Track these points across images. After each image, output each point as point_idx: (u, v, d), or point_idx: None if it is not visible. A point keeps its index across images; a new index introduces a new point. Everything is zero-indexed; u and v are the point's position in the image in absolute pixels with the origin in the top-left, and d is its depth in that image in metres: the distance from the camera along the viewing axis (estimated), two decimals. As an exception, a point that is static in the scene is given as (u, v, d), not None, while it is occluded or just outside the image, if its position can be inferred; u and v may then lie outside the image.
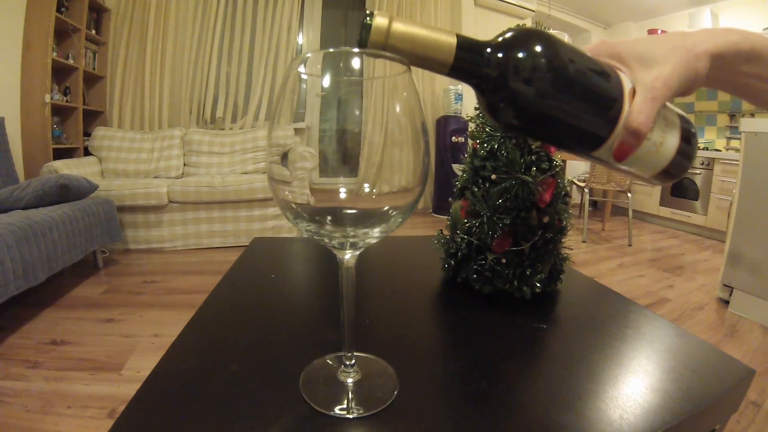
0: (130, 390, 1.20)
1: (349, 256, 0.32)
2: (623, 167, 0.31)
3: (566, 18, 4.68)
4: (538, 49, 0.27)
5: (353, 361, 0.35)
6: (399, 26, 0.26)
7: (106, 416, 1.08)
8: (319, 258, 0.72)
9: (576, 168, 4.63)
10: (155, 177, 2.91)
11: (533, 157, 0.52)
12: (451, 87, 3.81)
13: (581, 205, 3.69)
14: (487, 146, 0.54)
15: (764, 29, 3.41)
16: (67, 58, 2.84)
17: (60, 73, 2.85)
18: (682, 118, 0.31)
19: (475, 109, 0.59)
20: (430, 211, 4.00)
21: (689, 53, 0.28)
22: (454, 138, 3.71)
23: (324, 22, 3.87)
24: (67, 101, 2.88)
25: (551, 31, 0.30)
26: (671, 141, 0.30)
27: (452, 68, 0.28)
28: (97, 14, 3.25)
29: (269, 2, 3.53)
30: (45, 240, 1.62)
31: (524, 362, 0.40)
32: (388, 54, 0.27)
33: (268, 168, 0.30)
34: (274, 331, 0.44)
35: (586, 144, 0.30)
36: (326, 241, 0.31)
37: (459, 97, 3.79)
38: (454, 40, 0.27)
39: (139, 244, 2.56)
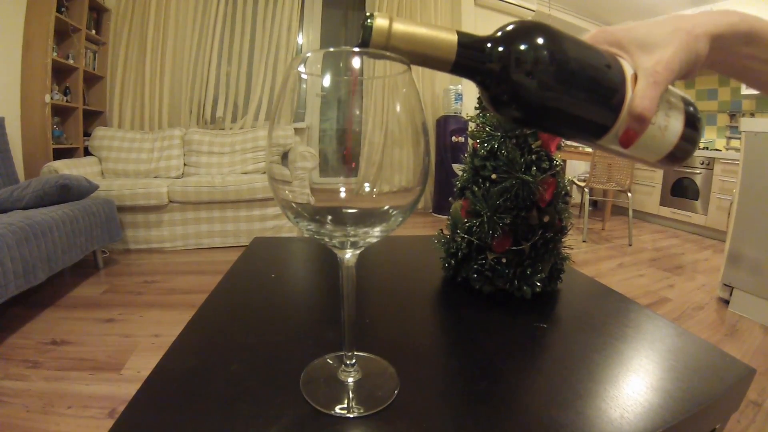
0: (130, 390, 1.20)
1: (349, 255, 0.32)
2: (629, 153, 0.31)
3: (566, 18, 4.68)
4: (538, 41, 0.27)
5: (353, 361, 0.35)
6: (400, 26, 0.26)
7: (106, 416, 1.08)
8: (319, 257, 0.72)
9: (576, 168, 4.64)
10: (155, 177, 2.91)
11: (533, 156, 0.52)
12: (451, 87, 3.81)
13: (581, 205, 3.69)
14: (487, 146, 0.54)
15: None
16: (67, 58, 2.85)
17: (60, 73, 2.85)
18: (685, 100, 0.32)
19: (475, 108, 0.59)
20: (431, 210, 4.00)
21: (689, 35, 0.28)
22: (454, 138, 3.71)
23: (324, 22, 3.87)
24: (67, 101, 2.88)
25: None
26: (676, 124, 0.30)
27: (454, 65, 0.28)
28: (97, 14, 3.25)
29: (269, 2, 3.53)
30: (45, 240, 1.62)
31: (524, 362, 0.40)
32: (388, 54, 0.27)
33: (269, 168, 0.30)
34: (275, 331, 0.44)
35: (591, 132, 0.30)
36: (327, 240, 0.31)
37: (459, 97, 3.79)
38: (455, 38, 0.27)
39: (139, 244, 2.56)
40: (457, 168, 3.30)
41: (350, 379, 0.35)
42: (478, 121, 0.57)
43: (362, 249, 0.32)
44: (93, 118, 3.27)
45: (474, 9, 4.10)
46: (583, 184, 3.23)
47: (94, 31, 3.14)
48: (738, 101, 3.80)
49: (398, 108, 0.28)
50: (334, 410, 0.31)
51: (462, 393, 0.35)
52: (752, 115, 3.69)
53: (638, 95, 0.28)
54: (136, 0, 3.23)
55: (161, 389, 0.33)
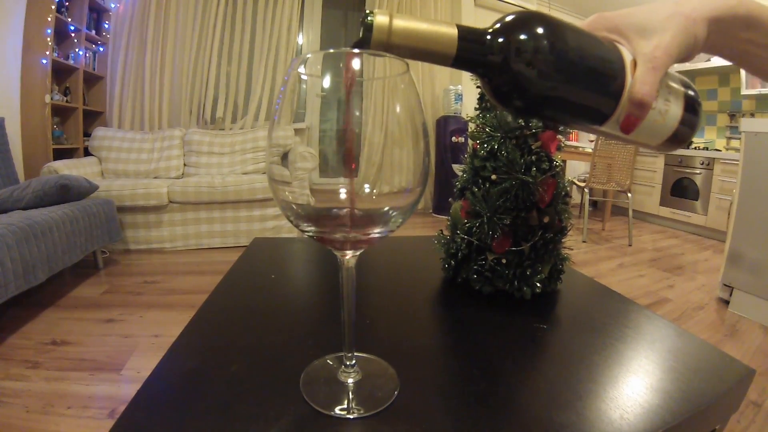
0: (130, 390, 1.20)
1: (349, 256, 0.32)
2: (631, 138, 0.31)
3: (566, 18, 4.69)
4: (538, 30, 0.27)
5: (353, 362, 0.35)
6: (400, 23, 0.26)
7: (106, 416, 1.07)
8: (319, 258, 0.72)
9: (576, 168, 4.64)
10: (155, 177, 2.91)
11: (533, 157, 0.52)
12: (451, 87, 3.81)
13: (581, 205, 3.69)
14: (487, 146, 0.54)
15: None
16: (67, 58, 2.85)
17: (60, 73, 2.85)
18: (684, 83, 0.32)
19: (475, 109, 0.59)
20: (430, 211, 4.00)
21: (687, 19, 0.28)
22: (454, 138, 3.71)
23: (324, 23, 3.87)
24: (67, 101, 2.88)
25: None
26: (676, 107, 0.30)
27: (456, 59, 0.28)
28: (97, 14, 3.25)
29: (269, 2, 3.53)
30: (45, 240, 1.62)
31: (524, 362, 0.40)
32: (388, 54, 0.27)
33: (268, 168, 0.30)
34: (275, 332, 0.44)
35: (593, 119, 0.30)
36: (326, 241, 0.31)
37: (459, 98, 3.79)
38: (455, 32, 0.27)
39: (139, 244, 2.56)
40: (457, 168, 3.30)
41: (350, 380, 0.35)
42: (478, 121, 0.57)
43: (362, 250, 0.32)
44: (93, 118, 3.27)
45: (474, 9, 4.11)
46: (583, 184, 3.23)
47: (94, 31, 3.14)
48: (738, 101, 3.80)
49: (398, 108, 0.29)
50: (334, 411, 0.31)
51: (462, 394, 0.35)
52: (752, 115, 3.69)
53: (638, 81, 0.28)
54: (136, 0, 3.23)
55: (161, 390, 0.33)
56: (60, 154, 2.77)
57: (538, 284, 0.53)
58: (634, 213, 3.46)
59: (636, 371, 0.38)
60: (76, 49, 2.93)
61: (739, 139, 2.59)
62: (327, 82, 0.28)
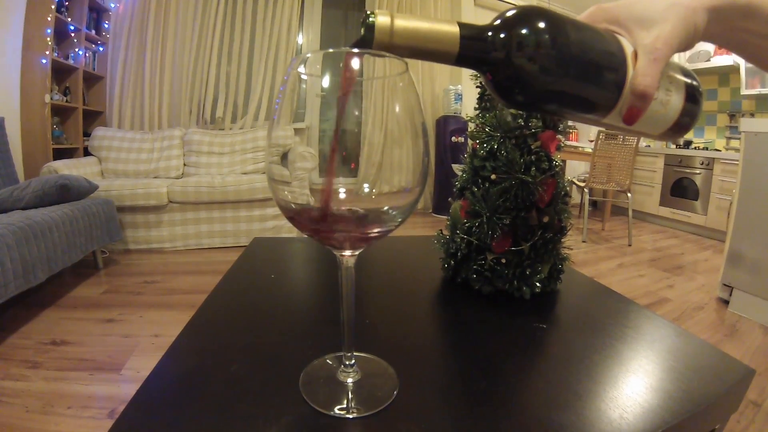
0: (130, 390, 1.20)
1: (348, 255, 0.32)
2: (633, 128, 0.31)
3: (564, 12, 4.68)
4: (539, 25, 0.27)
5: (353, 361, 0.35)
6: (401, 22, 0.26)
7: (106, 416, 1.07)
8: (318, 258, 0.72)
9: (576, 168, 4.64)
10: (155, 177, 2.91)
11: (533, 157, 0.52)
12: (450, 87, 3.81)
13: (581, 205, 3.69)
14: (486, 146, 0.54)
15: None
16: (67, 58, 2.85)
17: (60, 73, 2.85)
18: (684, 71, 0.32)
19: (475, 109, 0.59)
20: (430, 211, 4.00)
21: (687, 9, 0.28)
22: (453, 138, 3.71)
23: (324, 22, 3.87)
24: (67, 101, 2.88)
25: None
26: (677, 97, 0.31)
27: (458, 57, 0.28)
28: (97, 14, 3.25)
29: (269, 2, 3.53)
30: (45, 240, 1.62)
31: (524, 362, 0.40)
32: (387, 54, 0.27)
33: (268, 168, 0.30)
34: (274, 331, 0.44)
35: (595, 112, 0.30)
36: (326, 241, 0.31)
37: (459, 97, 3.79)
38: (456, 30, 0.27)
39: (139, 244, 2.56)
40: (457, 168, 3.30)
41: (350, 380, 0.35)
42: (477, 121, 0.57)
43: (361, 249, 0.32)
44: (93, 118, 3.27)
45: (474, 9, 4.10)
46: (582, 184, 3.23)
47: (94, 31, 3.14)
48: (738, 101, 3.80)
49: (397, 108, 0.28)
50: (333, 411, 0.31)
51: (461, 393, 0.35)
52: (752, 115, 3.69)
53: (639, 73, 0.28)
54: (136, 0, 3.23)
55: (161, 389, 0.33)
56: (60, 154, 2.77)
57: (538, 284, 0.53)
58: (634, 213, 3.46)
59: (636, 371, 0.38)
60: (76, 49, 2.93)
61: (739, 139, 2.59)
62: (327, 81, 0.28)
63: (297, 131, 3.42)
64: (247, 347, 0.41)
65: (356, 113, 0.29)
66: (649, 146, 4.27)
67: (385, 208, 0.30)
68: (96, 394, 1.16)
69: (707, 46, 3.74)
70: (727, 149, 3.81)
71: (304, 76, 0.28)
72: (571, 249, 0.59)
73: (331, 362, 0.37)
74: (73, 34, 2.91)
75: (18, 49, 2.56)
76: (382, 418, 0.31)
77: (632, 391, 0.35)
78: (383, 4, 3.74)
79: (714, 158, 3.48)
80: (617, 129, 0.32)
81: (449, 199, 0.62)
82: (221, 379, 0.35)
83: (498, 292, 0.54)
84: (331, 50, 0.27)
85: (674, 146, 4.08)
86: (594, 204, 4.39)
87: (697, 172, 3.61)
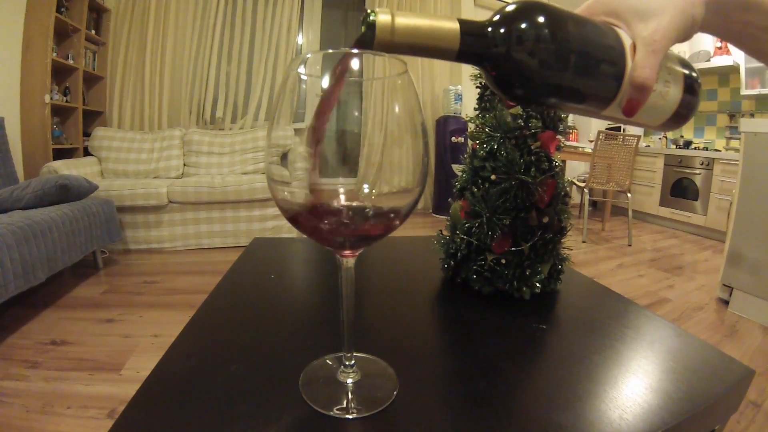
0: (130, 390, 1.19)
1: (348, 256, 0.32)
2: (633, 120, 0.31)
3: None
4: (538, 19, 0.27)
5: (353, 362, 0.35)
6: (402, 20, 0.26)
7: (106, 416, 1.07)
8: (318, 258, 0.72)
9: (576, 168, 4.64)
10: (155, 177, 2.91)
11: (533, 157, 0.52)
12: (450, 87, 3.81)
13: (581, 206, 3.69)
14: (486, 147, 0.54)
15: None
16: (67, 58, 2.84)
17: (60, 73, 2.85)
18: (682, 62, 0.32)
19: (475, 109, 0.59)
20: (430, 211, 4.00)
21: (685, 1, 0.28)
22: (453, 138, 3.71)
23: (324, 22, 3.87)
24: (67, 101, 2.88)
25: None
26: (676, 88, 0.31)
27: (459, 53, 0.28)
28: (97, 14, 3.25)
29: (269, 2, 3.53)
30: (45, 240, 1.62)
31: (524, 362, 0.40)
32: (387, 54, 0.27)
33: (268, 168, 0.30)
34: (274, 332, 0.44)
35: (595, 104, 0.30)
36: (326, 241, 0.31)
37: (459, 98, 3.79)
38: (457, 26, 0.27)
39: (138, 244, 2.56)
40: (457, 169, 3.30)
41: (349, 380, 0.35)
42: (477, 121, 0.57)
43: (361, 250, 0.32)
44: (93, 118, 3.26)
45: (474, 9, 4.10)
46: (582, 184, 3.23)
47: (94, 31, 3.14)
48: (738, 102, 3.80)
49: (397, 109, 0.28)
50: (333, 411, 0.31)
51: (461, 394, 0.35)
52: (752, 115, 3.69)
53: (638, 65, 0.28)
54: (136, 0, 3.23)
55: (161, 390, 0.33)
56: (60, 154, 2.77)
57: (538, 284, 0.53)
58: (634, 213, 3.45)
59: (635, 371, 0.38)
60: (76, 49, 2.93)
61: (739, 139, 2.59)
62: (326, 82, 0.28)
63: (297, 131, 3.42)
64: (247, 347, 0.40)
65: (356, 113, 0.29)
66: (648, 146, 4.28)
67: (385, 208, 0.30)
68: (96, 394, 1.16)
69: (707, 46, 3.74)
70: (727, 149, 3.81)
71: (303, 77, 0.28)
72: (571, 249, 0.59)
73: (330, 362, 0.37)
74: (73, 34, 2.91)
75: (18, 50, 2.56)
76: (382, 418, 0.31)
77: (632, 391, 0.35)
78: (383, 3, 3.74)
79: (714, 158, 3.48)
80: (617, 120, 0.33)
81: (449, 199, 0.62)
82: (221, 379, 0.35)
83: (498, 293, 0.54)
84: (331, 50, 0.27)
85: (674, 146, 4.08)
86: (594, 204, 4.39)
87: (697, 172, 3.61)
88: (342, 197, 0.30)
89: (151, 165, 2.96)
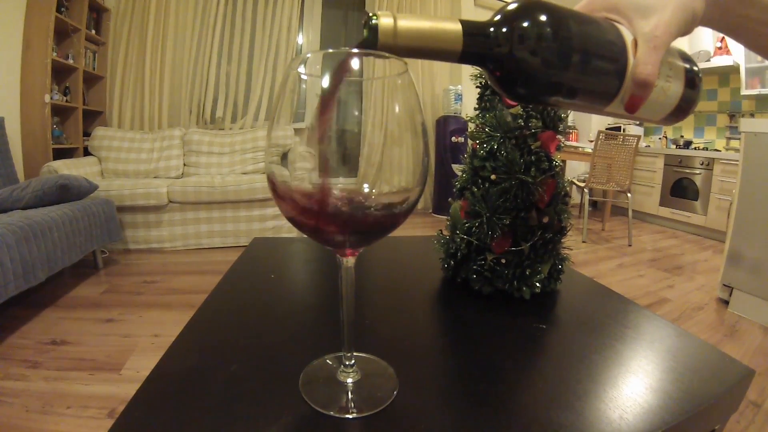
0: (129, 390, 1.19)
1: (348, 255, 0.32)
2: (635, 115, 0.32)
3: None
4: (539, 18, 0.27)
5: (353, 361, 0.35)
6: (404, 23, 0.26)
7: (106, 416, 1.07)
8: (318, 258, 0.72)
9: (576, 168, 4.64)
10: (155, 177, 2.91)
11: (533, 157, 0.52)
12: (450, 87, 3.81)
13: (581, 205, 3.69)
14: (486, 146, 0.54)
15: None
16: (67, 58, 2.84)
17: (60, 73, 2.85)
18: (683, 56, 0.32)
19: (475, 109, 0.59)
20: (430, 211, 4.00)
21: None
22: (453, 138, 3.71)
23: (324, 22, 3.87)
24: (67, 101, 2.88)
25: None
26: (678, 82, 0.31)
27: (462, 55, 0.28)
28: (97, 14, 3.25)
29: (269, 2, 3.53)
30: (45, 240, 1.62)
31: (524, 362, 0.40)
32: (387, 54, 0.27)
33: (268, 168, 0.30)
34: (274, 331, 0.44)
35: (597, 102, 0.31)
36: (325, 241, 0.31)
37: (459, 98, 3.79)
38: (459, 27, 0.27)
39: (138, 244, 2.56)
40: (457, 168, 3.30)
41: (349, 380, 0.35)
42: (477, 121, 0.57)
43: (361, 250, 0.32)
44: (93, 118, 3.27)
45: (474, 9, 4.10)
46: (582, 184, 3.23)
47: (94, 31, 3.14)
48: (738, 102, 3.80)
49: (397, 108, 0.28)
50: (332, 411, 0.31)
51: (461, 394, 0.35)
52: (752, 115, 3.69)
53: (640, 62, 0.28)
54: (136, 0, 3.23)
55: (160, 389, 0.33)
56: (60, 154, 2.77)
57: (538, 284, 0.53)
58: (634, 213, 3.46)
59: (635, 371, 0.38)
60: (76, 49, 2.93)
61: (739, 139, 2.59)
62: (326, 81, 0.28)
63: (297, 131, 3.43)
64: (246, 347, 0.40)
65: (356, 113, 0.29)
66: (648, 146, 4.28)
67: (385, 208, 0.30)
68: (96, 394, 1.16)
69: (707, 46, 3.73)
70: (727, 149, 3.81)
71: (304, 76, 0.28)
72: (571, 249, 0.59)
73: (330, 362, 0.37)
74: (73, 34, 2.91)
75: (18, 49, 2.56)
76: (382, 418, 0.31)
77: (632, 391, 0.35)
78: (383, 5, 3.74)
79: (714, 158, 3.48)
80: (619, 116, 0.33)
81: (449, 199, 0.62)
82: (221, 379, 0.35)
83: (498, 293, 0.54)
84: (331, 50, 0.27)
85: (674, 146, 4.08)
86: (594, 204, 4.39)
87: (697, 172, 3.61)
88: (342, 197, 0.30)
89: (151, 165, 2.96)
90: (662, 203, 3.95)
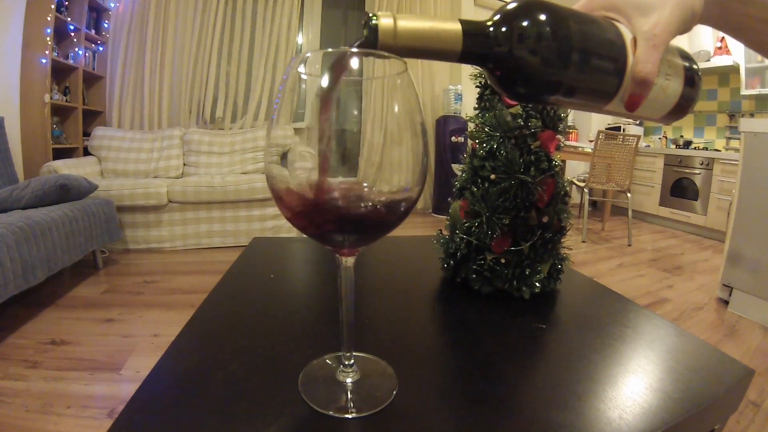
0: (129, 390, 1.20)
1: (348, 255, 0.32)
2: (635, 113, 0.32)
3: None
4: (539, 17, 0.27)
5: (352, 361, 0.35)
6: (404, 23, 0.26)
7: (106, 416, 1.07)
8: (318, 258, 0.72)
9: (575, 168, 4.64)
10: (155, 177, 2.91)
11: (532, 157, 0.52)
12: (450, 87, 3.81)
13: (581, 205, 3.69)
14: (486, 146, 0.54)
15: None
16: (66, 58, 2.84)
17: (60, 73, 2.85)
18: (682, 54, 0.32)
19: (475, 109, 0.59)
20: (430, 211, 4.00)
21: None
22: (453, 138, 3.71)
23: (324, 22, 3.87)
24: (66, 101, 2.88)
25: None
26: (677, 81, 0.31)
27: (462, 54, 0.28)
28: (97, 14, 3.25)
29: (269, 2, 3.53)
30: (45, 240, 1.62)
31: (523, 362, 0.40)
32: (387, 54, 0.27)
33: (267, 168, 0.30)
34: (274, 331, 0.44)
35: (597, 100, 0.31)
36: (325, 241, 0.31)
37: (458, 97, 3.79)
38: (459, 27, 0.27)
39: (138, 244, 2.56)
40: (457, 168, 3.30)
41: (349, 380, 0.35)
42: (477, 121, 0.57)
43: (361, 249, 0.32)
44: (92, 117, 3.27)
45: (474, 9, 4.10)
46: (582, 184, 3.23)
47: (94, 31, 3.14)
48: (737, 101, 3.80)
49: (397, 108, 0.28)
50: (332, 411, 0.31)
51: (460, 393, 0.35)
52: (752, 115, 3.69)
53: (640, 60, 0.28)
54: (136, 0, 3.23)
55: (160, 389, 0.33)
56: (59, 154, 2.77)
57: (537, 284, 0.53)
58: (634, 213, 3.45)
59: (635, 371, 0.38)
60: (76, 49, 2.93)
61: (739, 139, 2.59)
62: (326, 81, 0.28)
63: (296, 131, 3.43)
64: (246, 347, 0.40)
65: (355, 113, 0.29)
66: (648, 146, 4.28)
67: (384, 207, 0.30)
68: (95, 394, 1.16)
69: (707, 46, 3.73)
70: (726, 149, 3.81)
71: (303, 76, 0.28)
72: (571, 249, 0.59)
73: (330, 362, 0.37)
74: (73, 34, 2.91)
75: (18, 49, 2.56)
76: (381, 418, 0.31)
77: (631, 391, 0.35)
78: (383, 5, 3.74)
79: (714, 158, 3.48)
80: (619, 114, 0.33)
81: (449, 199, 0.62)
82: (221, 379, 0.35)
83: (497, 292, 0.54)
84: (330, 50, 0.27)
85: (674, 146, 4.08)
86: (594, 204, 4.39)
87: (697, 172, 3.61)
88: (341, 196, 0.30)
89: (151, 165, 2.96)
90: (662, 203, 3.95)
